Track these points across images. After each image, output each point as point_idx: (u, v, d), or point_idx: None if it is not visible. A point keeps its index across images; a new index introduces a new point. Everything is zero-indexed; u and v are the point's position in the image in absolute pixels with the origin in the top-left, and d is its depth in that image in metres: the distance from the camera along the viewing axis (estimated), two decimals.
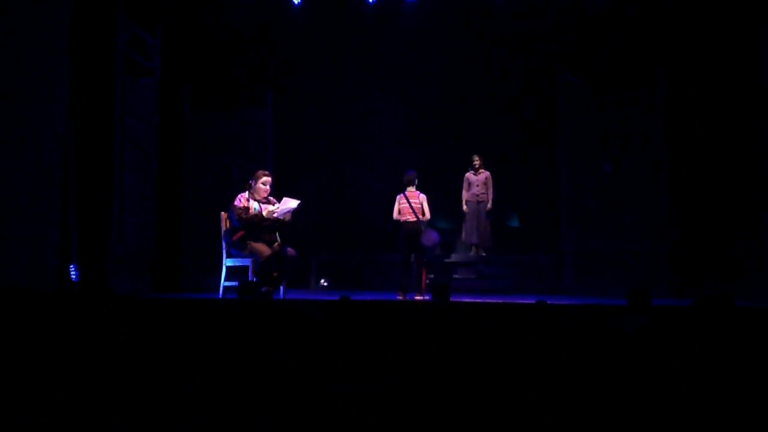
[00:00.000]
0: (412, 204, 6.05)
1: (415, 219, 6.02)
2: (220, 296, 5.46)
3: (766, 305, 4.87)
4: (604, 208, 7.01)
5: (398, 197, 6.19)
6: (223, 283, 5.49)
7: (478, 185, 7.77)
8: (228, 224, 5.51)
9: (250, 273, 5.34)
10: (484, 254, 7.75)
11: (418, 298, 5.94)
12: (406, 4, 8.48)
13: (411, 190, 6.14)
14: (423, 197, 6.13)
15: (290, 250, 5.31)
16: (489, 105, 8.46)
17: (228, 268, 5.52)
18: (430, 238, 6.07)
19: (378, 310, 3.88)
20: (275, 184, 5.57)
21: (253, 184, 5.44)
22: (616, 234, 6.93)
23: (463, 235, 7.98)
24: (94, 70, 6.15)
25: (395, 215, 6.18)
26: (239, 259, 5.47)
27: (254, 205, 5.36)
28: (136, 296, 5.93)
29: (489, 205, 7.71)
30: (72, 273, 5.66)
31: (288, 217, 5.39)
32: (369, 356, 2.94)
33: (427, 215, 6.11)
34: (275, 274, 5.25)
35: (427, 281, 7.30)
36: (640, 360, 2.74)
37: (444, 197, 8.19)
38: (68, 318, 3.60)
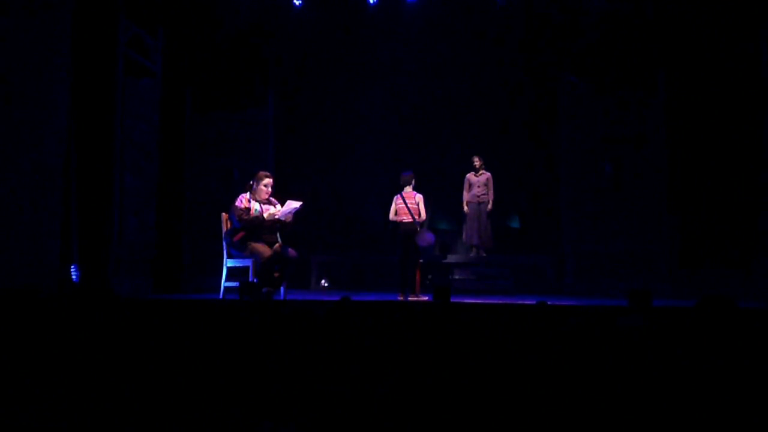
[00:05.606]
0: (408, 204, 6.05)
1: (411, 220, 6.02)
2: (221, 297, 5.45)
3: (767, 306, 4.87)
4: (605, 208, 7.02)
5: (395, 198, 6.19)
6: (223, 283, 5.48)
7: (478, 186, 7.76)
8: (229, 225, 5.51)
9: (250, 274, 5.33)
10: (484, 255, 7.75)
11: (412, 298, 5.93)
12: (406, 5, 8.48)
13: (408, 191, 6.14)
14: (419, 197, 6.13)
15: (291, 251, 5.30)
16: (490, 106, 8.46)
17: (229, 268, 5.51)
18: (425, 238, 6.07)
19: (378, 310, 3.88)
20: (275, 185, 5.58)
21: (254, 185, 5.43)
22: (617, 235, 6.94)
23: (464, 236, 7.98)
24: (95, 71, 6.15)
25: (391, 216, 6.19)
26: (240, 260, 5.47)
27: (255, 206, 5.35)
28: (136, 297, 5.94)
29: (490, 206, 7.71)
30: (72, 274, 5.67)
31: (289, 218, 5.39)
32: (370, 357, 2.94)
33: (423, 216, 6.10)
34: (276, 275, 5.25)
35: (427, 282, 7.32)
36: (642, 361, 2.74)
37: (445, 198, 8.19)
38: (69, 319, 3.60)
